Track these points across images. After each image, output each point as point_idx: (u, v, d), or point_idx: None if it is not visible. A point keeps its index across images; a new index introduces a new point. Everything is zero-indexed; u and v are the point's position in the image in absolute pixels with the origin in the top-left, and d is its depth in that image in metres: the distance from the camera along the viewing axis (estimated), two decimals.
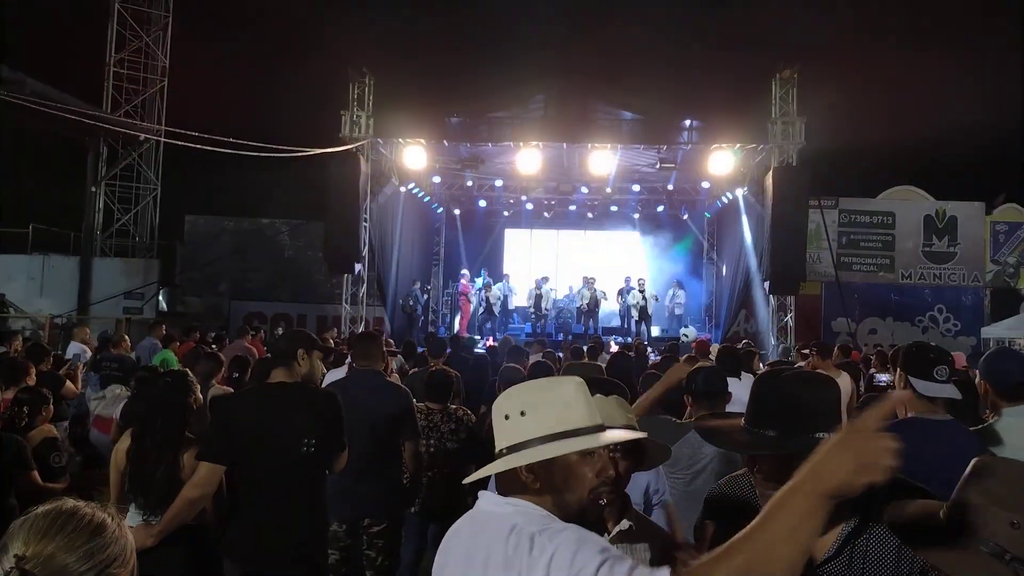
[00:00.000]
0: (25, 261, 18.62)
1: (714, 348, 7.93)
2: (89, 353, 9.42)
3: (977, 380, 3.33)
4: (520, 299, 18.49)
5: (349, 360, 6.35)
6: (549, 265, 20.59)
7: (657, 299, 17.32)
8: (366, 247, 14.74)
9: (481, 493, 1.55)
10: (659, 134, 14.86)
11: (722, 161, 14.42)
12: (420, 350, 9.03)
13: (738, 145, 14.40)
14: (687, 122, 14.76)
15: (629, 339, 15.43)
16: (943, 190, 19.64)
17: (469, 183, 18.12)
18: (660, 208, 19.54)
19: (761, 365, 7.53)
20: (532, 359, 6.73)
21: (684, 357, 6.79)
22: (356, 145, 13.98)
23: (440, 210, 20.41)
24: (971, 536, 1.27)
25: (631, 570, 1.25)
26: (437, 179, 17.52)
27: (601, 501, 1.57)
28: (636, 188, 17.88)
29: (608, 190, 17.64)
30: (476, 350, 11.69)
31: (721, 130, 14.35)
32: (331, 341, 10.08)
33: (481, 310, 17.84)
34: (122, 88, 19.43)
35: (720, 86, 15.45)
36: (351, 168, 13.79)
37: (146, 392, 3.54)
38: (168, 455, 3.15)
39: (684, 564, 1.26)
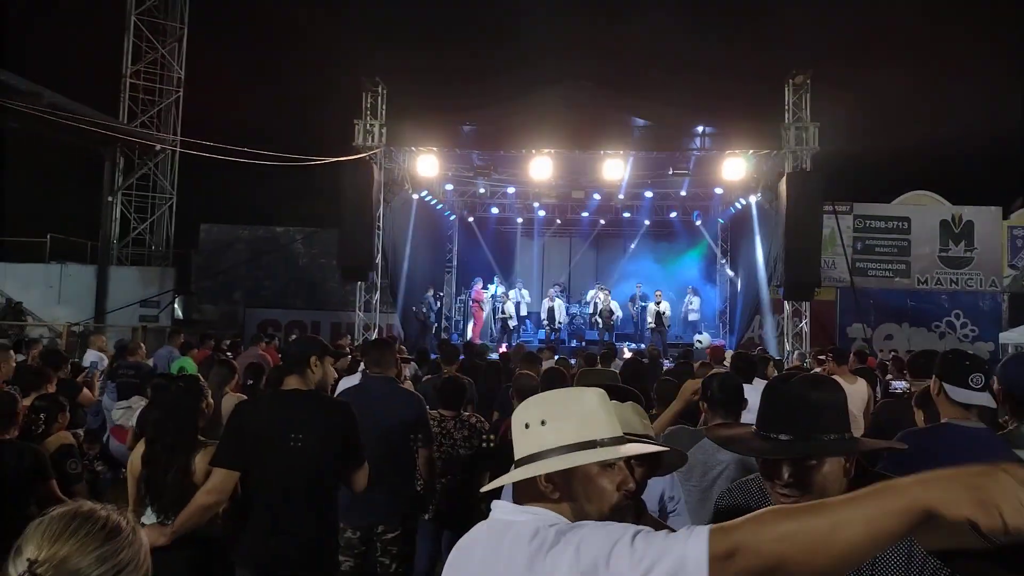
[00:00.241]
0: (43, 270, 18.83)
1: (728, 354, 7.89)
2: (106, 361, 9.50)
3: (995, 387, 3.30)
4: (532, 306, 18.49)
5: (363, 367, 6.37)
6: (562, 272, 20.59)
7: (668, 315, 17.28)
8: (379, 255, 14.80)
9: (496, 503, 1.53)
10: (672, 140, 14.82)
11: (735, 167, 14.36)
12: (433, 357, 9.04)
13: (751, 151, 14.35)
14: (700, 128, 14.71)
15: (643, 346, 15.37)
16: (959, 195, 19.48)
17: (482, 191, 18.15)
18: (673, 214, 19.48)
19: (776, 372, 7.48)
20: (545, 366, 6.72)
21: (698, 363, 6.76)
22: (369, 154, 14.05)
23: (453, 217, 20.45)
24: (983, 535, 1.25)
25: (666, 536, 1.23)
26: (450, 187, 17.56)
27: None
28: (649, 194, 17.84)
29: (621, 196, 17.62)
30: (489, 357, 11.68)
31: (734, 136, 14.30)
32: (346, 348, 10.11)
33: (497, 318, 17.86)
34: (138, 99, 19.65)
35: (733, 92, 15.45)
36: (364, 176, 13.86)
37: (160, 398, 3.57)
38: (179, 459, 3.17)
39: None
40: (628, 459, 1.81)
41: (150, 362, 9.67)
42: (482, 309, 18.19)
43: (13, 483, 3.58)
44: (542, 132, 14.03)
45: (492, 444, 4.67)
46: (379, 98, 14.52)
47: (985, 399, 2.88)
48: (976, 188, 19.84)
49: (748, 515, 1.20)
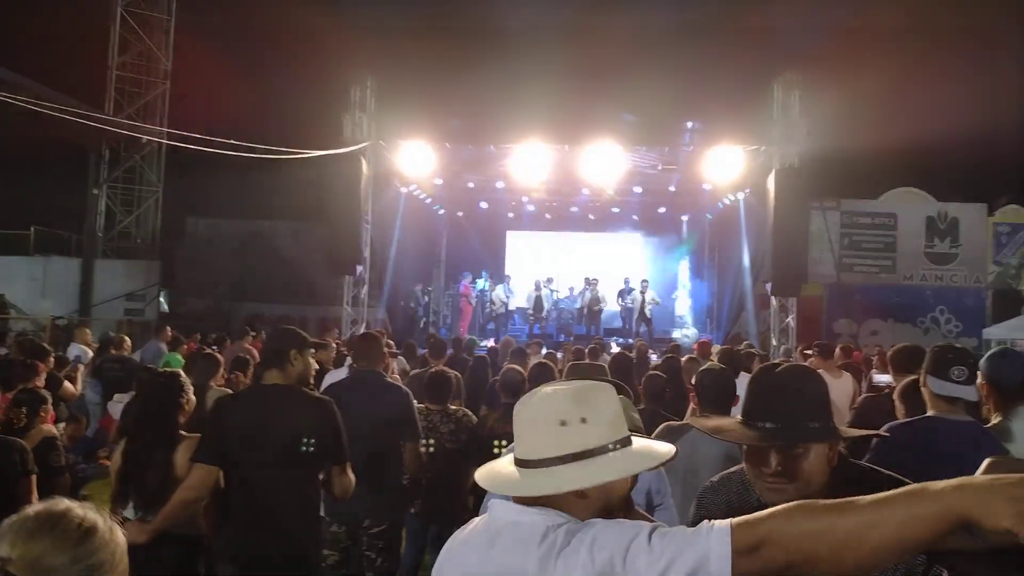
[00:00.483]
0: (27, 263, 18.66)
1: (715, 349, 7.92)
2: (90, 355, 9.43)
3: (979, 381, 3.32)
4: (520, 300, 18.51)
5: (349, 361, 6.35)
6: (551, 267, 20.60)
7: (659, 303, 17.33)
8: (367, 249, 14.75)
9: (494, 501, 1.46)
10: (661, 136, 14.86)
11: (724, 163, 14.41)
12: (421, 352, 9.03)
13: (740, 147, 14.40)
14: (689, 124, 14.75)
15: (630, 340, 15.42)
16: (945, 191, 19.62)
17: (471, 185, 18.12)
18: (662, 210, 19.53)
19: None
20: (533, 360, 6.73)
21: (685, 358, 6.78)
22: (358, 147, 13.99)
23: (442, 212, 20.41)
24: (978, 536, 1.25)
25: (684, 532, 1.19)
26: (439, 181, 17.53)
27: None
28: (638, 190, 17.88)
29: (610, 192, 17.64)
30: (477, 351, 11.69)
31: (723, 132, 14.35)
32: (332, 343, 10.07)
33: (484, 313, 17.86)
34: (124, 91, 19.45)
35: (722, 88, 15.44)
36: (352, 170, 13.80)
37: (141, 394, 3.54)
38: (159, 455, 3.15)
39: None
40: None
41: (136, 356, 9.61)
42: (470, 304, 18.19)
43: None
44: (532, 126, 14.02)
45: (431, 448, 4.66)
46: (367, 91, 14.45)
47: (967, 392, 2.90)
48: (962, 185, 19.99)
49: (773, 509, 1.17)
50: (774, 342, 14.62)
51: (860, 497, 1.13)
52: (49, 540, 1.16)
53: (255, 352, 8.96)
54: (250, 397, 3.46)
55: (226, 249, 20.10)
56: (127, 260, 19.61)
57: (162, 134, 17.16)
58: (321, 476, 3.28)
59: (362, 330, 13.94)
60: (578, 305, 17.83)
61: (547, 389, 1.45)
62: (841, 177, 18.74)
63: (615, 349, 11.93)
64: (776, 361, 1.92)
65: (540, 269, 19.91)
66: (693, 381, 3.66)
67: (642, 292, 16.81)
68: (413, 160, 14.58)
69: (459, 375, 6.25)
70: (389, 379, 4.70)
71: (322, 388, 4.60)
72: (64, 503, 1.22)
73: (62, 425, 5.90)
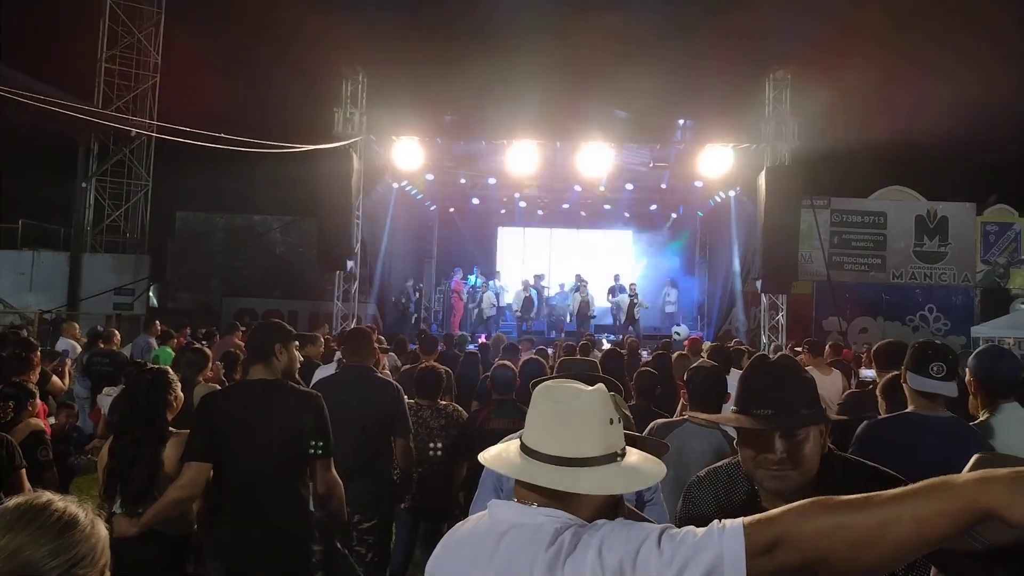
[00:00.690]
0: (15, 256, 18.51)
1: (706, 346, 7.93)
2: (78, 349, 9.37)
3: (967, 378, 3.34)
4: (510, 297, 18.52)
5: (338, 356, 6.33)
6: (542, 263, 20.61)
7: (647, 306, 17.38)
8: (358, 244, 14.71)
9: (494, 501, 1.43)
10: (652, 133, 14.88)
11: (715, 160, 14.44)
12: (412, 347, 9.02)
13: (731, 144, 14.44)
14: (680, 121, 14.78)
15: (621, 337, 15.45)
16: (934, 191, 19.74)
17: (462, 181, 18.10)
18: (653, 207, 19.56)
19: None
20: (523, 357, 6.72)
21: (676, 355, 6.79)
22: (349, 142, 13.94)
23: (433, 208, 20.37)
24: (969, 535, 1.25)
25: (695, 534, 1.16)
26: (430, 177, 17.49)
27: None
28: (629, 187, 17.90)
29: (601, 189, 17.66)
30: (468, 347, 11.69)
31: (715, 129, 14.39)
32: (323, 338, 10.04)
33: (474, 308, 17.86)
34: (114, 84, 19.29)
35: (714, 86, 15.46)
36: (344, 165, 13.76)
37: (129, 390, 3.51)
38: (146, 451, 3.13)
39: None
40: None
41: (126, 349, 9.56)
42: (461, 300, 18.18)
43: None
44: (524, 122, 14.02)
45: (439, 451, 4.64)
46: (359, 86, 14.41)
47: (946, 388, 2.90)
48: (950, 184, 20.12)
49: (786, 507, 1.15)
50: (764, 339, 14.68)
51: (878, 492, 1.11)
52: (28, 533, 1.15)
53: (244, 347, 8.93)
54: (237, 393, 3.41)
55: (216, 244, 20.00)
56: (116, 254, 19.48)
57: (152, 127, 17.04)
58: None
59: (353, 325, 13.94)
60: (569, 302, 17.85)
61: (585, 387, 1.42)
62: (831, 175, 18.83)
63: (606, 346, 11.96)
64: (760, 355, 1.94)
65: (531, 265, 19.94)
66: (684, 378, 3.66)
67: (631, 296, 16.85)
68: (404, 155, 14.54)
69: (450, 371, 6.25)
70: (380, 374, 4.69)
71: (312, 383, 4.59)
72: (46, 496, 1.21)
73: (53, 419, 5.85)
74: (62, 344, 9.37)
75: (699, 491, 2.02)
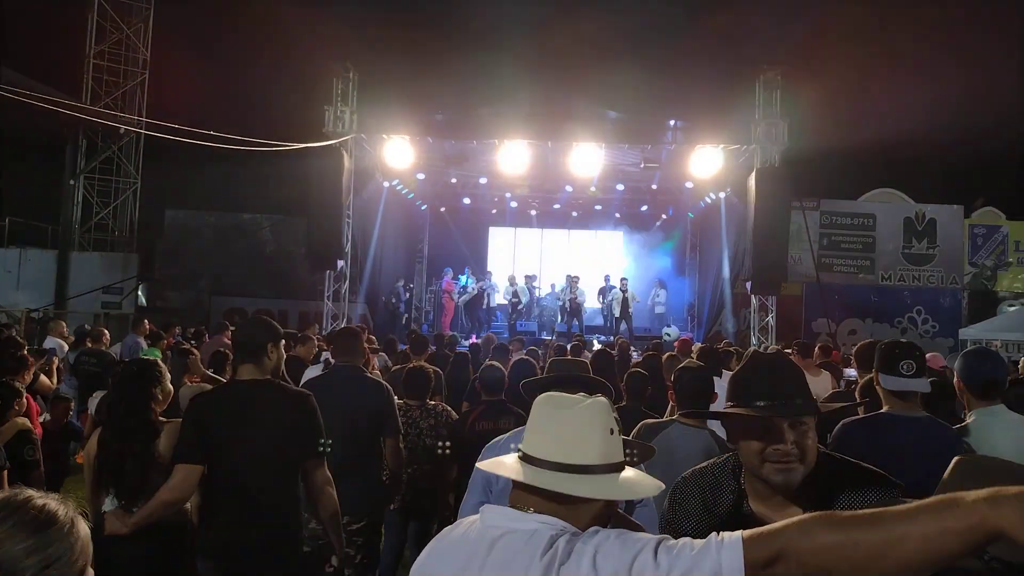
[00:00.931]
0: (1, 254, 18.35)
1: (696, 347, 7.96)
2: (66, 348, 9.29)
3: (955, 379, 3.36)
4: (499, 297, 18.52)
5: (325, 357, 6.30)
6: (533, 264, 20.61)
7: (638, 300, 17.42)
8: (349, 243, 14.67)
9: (487, 506, 1.42)
10: (643, 133, 14.91)
11: (706, 161, 14.48)
12: (402, 347, 9.00)
13: (722, 146, 14.48)
14: (671, 122, 14.81)
15: (611, 337, 15.47)
16: (922, 193, 19.85)
17: (453, 180, 18.07)
18: (644, 207, 19.60)
19: None
20: (514, 357, 6.72)
21: (666, 356, 6.81)
22: (340, 141, 13.90)
23: (424, 207, 20.34)
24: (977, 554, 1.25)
25: (692, 546, 1.15)
26: (421, 176, 17.46)
27: None
28: (620, 187, 17.93)
29: (592, 189, 17.67)
30: (459, 348, 11.68)
31: (705, 130, 14.42)
32: (313, 338, 10.00)
33: (464, 307, 17.86)
34: (102, 80, 19.17)
35: (704, 87, 15.51)
36: (334, 164, 13.71)
37: (117, 380, 3.48)
38: (135, 444, 3.09)
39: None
40: None
41: (115, 349, 9.49)
42: (452, 300, 18.16)
43: None
44: (515, 122, 14.01)
45: (448, 451, 4.63)
46: (350, 84, 14.36)
47: (918, 384, 2.91)
48: (939, 187, 20.24)
49: (788, 521, 1.12)
50: (754, 340, 14.73)
51: (884, 508, 1.09)
52: (4, 530, 1.14)
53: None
54: (228, 393, 3.37)
55: (205, 242, 19.89)
56: (104, 252, 19.35)
57: (140, 124, 16.94)
58: None
59: (343, 325, 13.89)
60: (560, 302, 17.87)
61: (586, 397, 1.45)
62: (821, 177, 18.92)
63: (596, 346, 11.98)
64: (751, 349, 1.95)
65: (522, 265, 19.94)
66: (672, 379, 3.67)
67: (623, 290, 16.88)
68: (395, 154, 14.51)
69: (439, 371, 6.24)
70: (369, 374, 4.68)
71: (301, 383, 4.57)
72: (24, 493, 1.20)
73: (46, 416, 5.80)
74: (49, 343, 9.29)
75: (685, 492, 2.00)
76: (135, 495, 3.05)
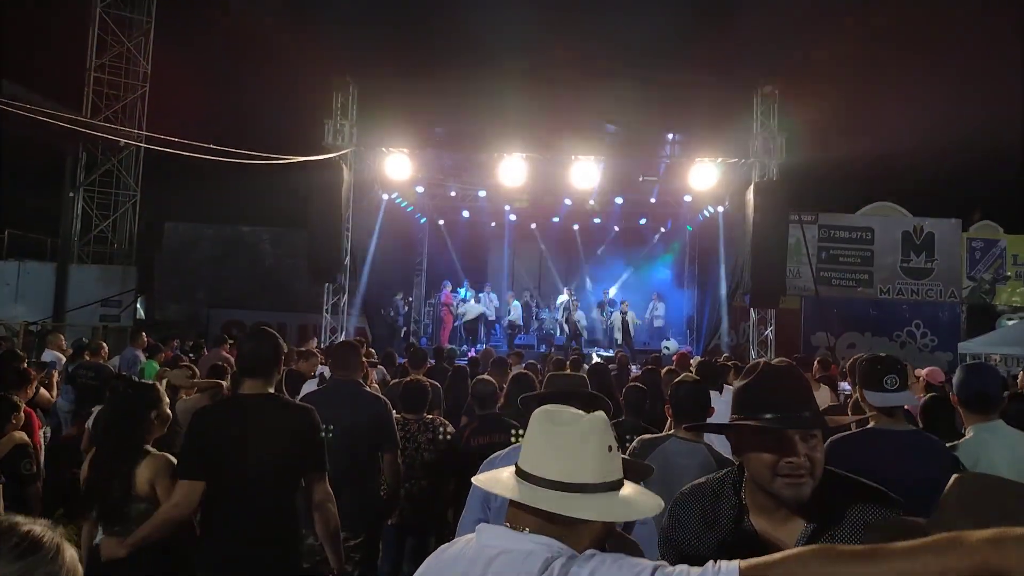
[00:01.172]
0: (0, 267, 18.36)
1: (694, 361, 7.95)
2: (64, 361, 9.28)
3: (952, 395, 3.36)
4: (501, 310, 18.51)
5: (320, 371, 6.28)
6: (532, 277, 20.62)
7: (639, 322, 17.47)
8: (348, 256, 14.68)
9: (483, 524, 1.41)
10: (642, 147, 14.95)
11: (704, 175, 14.51)
12: (401, 361, 8.98)
13: (720, 159, 14.52)
14: (670, 136, 14.86)
15: (611, 352, 15.46)
16: (920, 207, 19.92)
17: (452, 194, 18.11)
18: (643, 221, 19.63)
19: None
20: (513, 371, 6.71)
21: (664, 370, 6.81)
22: (339, 154, 13.93)
23: (423, 220, 20.37)
24: None
25: (690, 572, 1.15)
26: (420, 189, 17.49)
27: None
28: (619, 201, 17.96)
29: (591, 202, 17.70)
30: (458, 362, 11.66)
31: (703, 144, 14.47)
32: (317, 354, 9.99)
33: (463, 321, 17.86)
34: (103, 93, 19.23)
35: (703, 100, 15.58)
36: (334, 177, 13.73)
37: (112, 402, 3.47)
38: (122, 467, 3.09)
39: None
40: None
41: (113, 362, 9.47)
42: (451, 313, 18.15)
43: None
44: (514, 135, 14.05)
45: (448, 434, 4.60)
46: (350, 97, 14.42)
47: (903, 399, 2.91)
48: (937, 201, 20.31)
49: (787, 552, 1.12)
50: (753, 354, 14.71)
51: (885, 545, 1.08)
52: None
53: (232, 360, 8.88)
54: (232, 408, 3.35)
55: (204, 255, 19.91)
56: (103, 265, 19.35)
57: (141, 137, 16.98)
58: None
59: (341, 338, 13.87)
60: (559, 316, 17.87)
61: (585, 413, 1.41)
62: (819, 191, 18.99)
63: (596, 360, 11.97)
64: (757, 361, 1.92)
65: (521, 279, 19.95)
66: (668, 393, 3.67)
67: (623, 313, 16.91)
68: (395, 167, 14.54)
69: (437, 384, 6.23)
70: (368, 389, 4.67)
71: (299, 398, 4.56)
72: (11, 519, 1.18)
73: (47, 430, 5.78)
74: (47, 356, 9.27)
75: (683, 507, 1.98)
76: (113, 517, 3.03)
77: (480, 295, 18.28)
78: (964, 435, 3.22)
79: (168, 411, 3.41)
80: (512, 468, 1.40)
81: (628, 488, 1.40)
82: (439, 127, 14.63)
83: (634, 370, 10.10)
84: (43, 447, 5.14)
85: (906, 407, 3.05)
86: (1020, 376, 8.43)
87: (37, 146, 18.12)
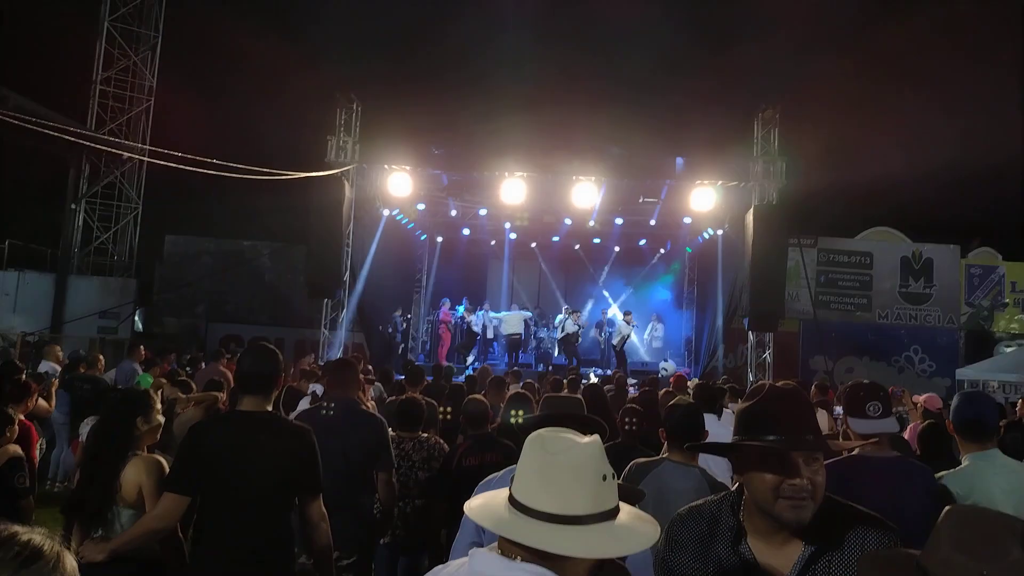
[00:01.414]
0: None
1: (691, 383, 7.95)
2: (59, 371, 9.26)
3: (948, 422, 3.36)
4: (507, 326, 18.47)
5: (312, 389, 6.25)
6: (531, 296, 20.63)
7: (634, 339, 17.49)
8: (348, 272, 14.69)
9: (476, 551, 1.38)
10: (643, 169, 15.01)
11: (704, 198, 14.56)
12: (398, 378, 8.96)
13: (720, 182, 14.58)
14: (677, 159, 14.92)
15: (608, 371, 15.42)
16: (919, 232, 19.99)
17: (453, 212, 18.15)
18: (642, 242, 19.67)
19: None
20: (511, 390, 6.70)
21: (662, 392, 6.80)
22: (341, 170, 13.98)
23: (424, 237, 20.40)
24: None
25: None
26: (421, 206, 17.54)
27: None
28: (619, 221, 18.00)
29: (591, 223, 17.74)
30: (455, 380, 11.63)
31: (704, 167, 14.53)
32: (310, 367, 9.98)
33: (460, 340, 17.85)
34: (107, 106, 19.33)
35: (704, 124, 15.73)
36: (335, 193, 13.77)
37: (104, 407, 3.47)
38: (104, 471, 3.07)
39: None
40: None
41: (110, 375, 9.45)
42: (449, 331, 18.14)
43: None
44: (514, 155, 14.11)
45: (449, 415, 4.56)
46: (353, 115, 14.50)
47: (886, 425, 2.90)
48: (935, 226, 20.39)
49: None
50: (751, 377, 14.68)
51: None
52: None
53: (229, 375, 8.87)
54: (230, 424, 3.31)
55: (204, 269, 19.92)
56: (103, 277, 19.36)
57: (144, 151, 17.05)
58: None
59: (339, 354, 13.85)
60: (557, 335, 17.85)
61: (579, 439, 1.37)
62: (818, 215, 19.08)
63: (593, 380, 11.94)
64: (762, 383, 1.91)
65: (520, 297, 19.94)
66: (663, 416, 3.66)
67: (628, 322, 16.91)
68: (396, 184, 14.59)
69: (432, 403, 6.21)
70: (363, 407, 4.66)
71: (294, 414, 4.55)
72: (10, 529, 1.18)
73: (43, 442, 5.76)
74: (43, 366, 9.27)
75: (680, 529, 1.97)
76: (94, 523, 3.02)
77: (478, 313, 18.26)
78: (961, 463, 3.21)
79: (160, 419, 3.40)
80: (506, 493, 1.38)
81: (624, 514, 1.37)
82: (440, 146, 14.71)
83: (631, 391, 10.07)
84: (38, 460, 5.13)
85: (906, 434, 3.05)
86: (1019, 404, 8.38)
87: (40, 157, 18.22)
